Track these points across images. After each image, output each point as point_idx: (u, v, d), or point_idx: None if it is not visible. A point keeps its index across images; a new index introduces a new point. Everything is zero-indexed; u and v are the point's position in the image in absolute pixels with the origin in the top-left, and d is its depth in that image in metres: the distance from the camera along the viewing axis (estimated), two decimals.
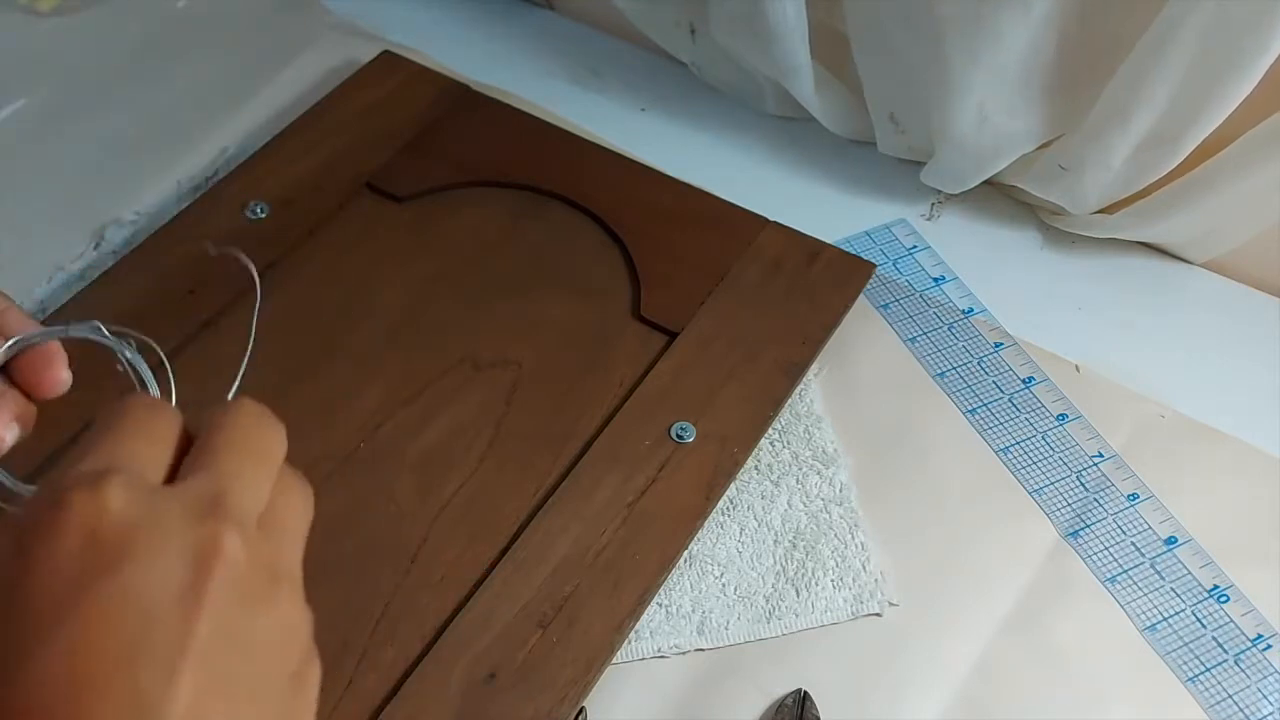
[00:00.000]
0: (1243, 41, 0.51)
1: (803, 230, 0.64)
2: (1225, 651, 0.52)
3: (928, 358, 0.62)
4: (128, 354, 0.37)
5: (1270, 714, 0.50)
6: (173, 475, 0.29)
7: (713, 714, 0.50)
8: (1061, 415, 0.60)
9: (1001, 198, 0.70)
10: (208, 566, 0.27)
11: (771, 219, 0.64)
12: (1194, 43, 0.53)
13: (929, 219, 0.69)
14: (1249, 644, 0.52)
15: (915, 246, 0.67)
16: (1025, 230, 0.69)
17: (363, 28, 0.79)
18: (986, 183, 0.68)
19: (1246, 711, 0.50)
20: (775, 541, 0.55)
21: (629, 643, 0.51)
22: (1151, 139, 0.58)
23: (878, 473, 0.57)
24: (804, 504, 0.56)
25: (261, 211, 0.64)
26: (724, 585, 0.53)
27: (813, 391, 0.60)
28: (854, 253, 0.63)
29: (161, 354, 0.39)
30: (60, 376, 0.39)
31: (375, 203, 0.66)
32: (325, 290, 0.62)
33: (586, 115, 0.73)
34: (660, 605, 0.53)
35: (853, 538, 0.55)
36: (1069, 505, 0.56)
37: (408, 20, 0.80)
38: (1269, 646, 0.52)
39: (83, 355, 0.40)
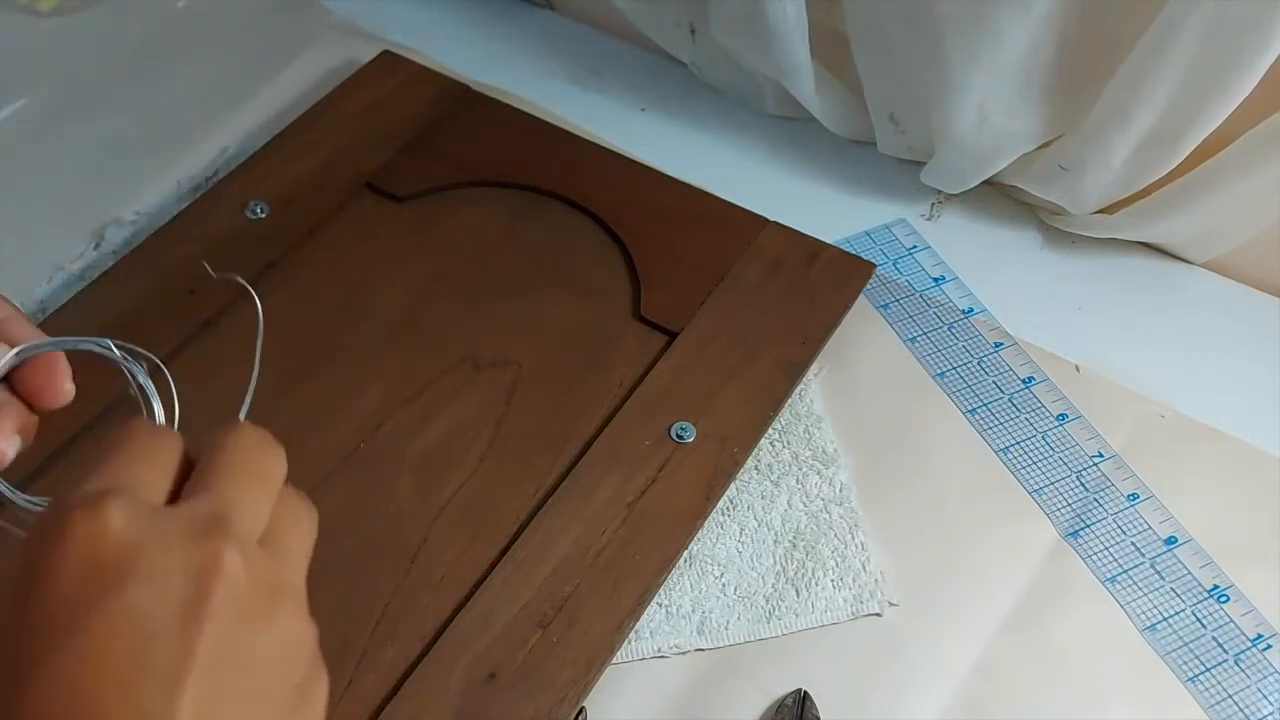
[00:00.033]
0: (1243, 41, 0.51)
1: (803, 230, 0.64)
2: (1225, 651, 0.52)
3: (928, 358, 0.62)
4: (140, 378, 0.37)
5: (1270, 714, 0.50)
6: (174, 498, 0.30)
7: (713, 714, 0.50)
8: (1061, 415, 0.60)
9: (1001, 198, 0.70)
10: (208, 584, 0.27)
11: (771, 219, 0.64)
12: (1194, 43, 0.53)
13: (929, 219, 0.69)
14: (1249, 644, 0.52)
15: (915, 246, 0.67)
16: (1025, 230, 0.69)
17: (363, 28, 0.79)
18: (986, 183, 0.68)
19: (1246, 711, 0.50)
20: (775, 541, 0.55)
21: (629, 643, 0.51)
22: (1151, 139, 0.58)
23: (878, 473, 0.57)
24: (804, 504, 0.56)
25: (261, 211, 0.64)
26: (724, 585, 0.53)
27: (813, 391, 0.60)
28: (854, 253, 0.63)
29: (158, 361, 0.38)
30: (64, 388, 0.38)
31: (375, 203, 0.66)
32: (325, 290, 0.62)
33: (586, 115, 0.73)
34: (660, 605, 0.53)
35: (853, 538, 0.55)
36: (1069, 505, 0.56)
37: (408, 20, 0.80)
38: (1269, 646, 0.52)
39: (81, 363, 0.39)
